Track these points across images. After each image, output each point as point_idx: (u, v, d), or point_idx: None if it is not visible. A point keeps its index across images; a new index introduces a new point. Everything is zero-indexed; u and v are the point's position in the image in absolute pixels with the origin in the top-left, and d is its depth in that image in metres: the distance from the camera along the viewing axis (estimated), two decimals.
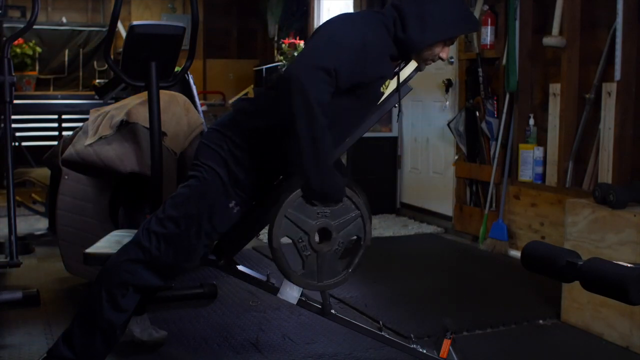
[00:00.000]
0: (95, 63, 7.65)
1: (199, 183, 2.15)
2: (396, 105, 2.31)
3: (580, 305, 2.94)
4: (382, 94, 2.26)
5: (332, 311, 2.30)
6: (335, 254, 2.10)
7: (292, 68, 1.99)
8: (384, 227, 5.06)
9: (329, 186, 2.01)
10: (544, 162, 4.06)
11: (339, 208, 2.07)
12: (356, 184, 2.22)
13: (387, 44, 2.13)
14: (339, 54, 2.00)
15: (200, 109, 3.98)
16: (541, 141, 4.10)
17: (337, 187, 2.04)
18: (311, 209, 2.04)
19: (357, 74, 2.06)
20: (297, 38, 6.87)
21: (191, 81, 4.14)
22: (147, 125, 2.87)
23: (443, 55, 2.20)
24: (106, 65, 5.84)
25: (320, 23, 7.40)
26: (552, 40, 3.84)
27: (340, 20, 2.13)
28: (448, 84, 4.92)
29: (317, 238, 2.07)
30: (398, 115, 2.21)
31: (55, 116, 6.98)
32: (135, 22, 2.72)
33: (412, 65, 2.27)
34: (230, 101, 7.14)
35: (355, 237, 2.14)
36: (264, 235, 4.65)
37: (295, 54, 6.60)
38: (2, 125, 3.51)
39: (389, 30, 2.13)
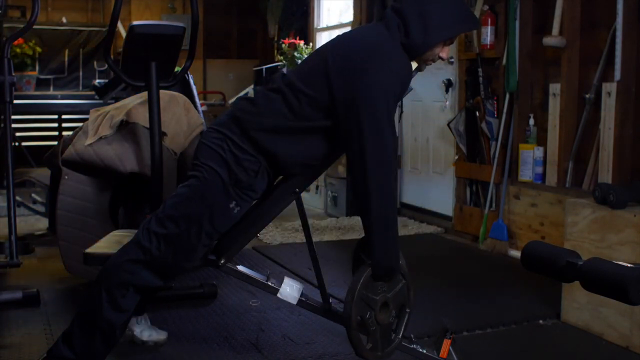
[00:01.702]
0: (95, 63, 7.66)
1: (200, 183, 2.14)
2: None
3: (580, 305, 2.94)
4: None
5: (332, 311, 2.30)
6: (391, 324, 2.19)
7: (373, 138, 2.01)
8: None
9: (394, 264, 2.11)
10: (544, 162, 4.06)
11: (393, 281, 2.16)
12: None
13: (408, 62, 2.16)
14: (393, 106, 2.07)
15: (200, 109, 3.98)
16: (541, 141, 4.10)
17: (398, 262, 2.13)
18: (375, 285, 2.11)
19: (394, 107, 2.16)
20: (297, 38, 6.87)
21: (191, 81, 4.14)
22: (147, 125, 2.87)
23: (443, 55, 2.20)
24: (106, 65, 5.84)
25: (320, 23, 7.40)
26: (552, 40, 3.84)
27: (373, 65, 2.05)
28: (448, 84, 4.92)
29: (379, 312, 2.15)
30: (400, 115, 2.21)
31: (55, 116, 6.98)
32: (135, 22, 2.72)
33: (413, 65, 2.27)
34: (230, 101, 7.15)
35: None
36: (264, 235, 4.66)
37: (296, 54, 6.59)
38: (2, 125, 3.51)
39: (399, 40, 2.12)
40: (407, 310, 2.23)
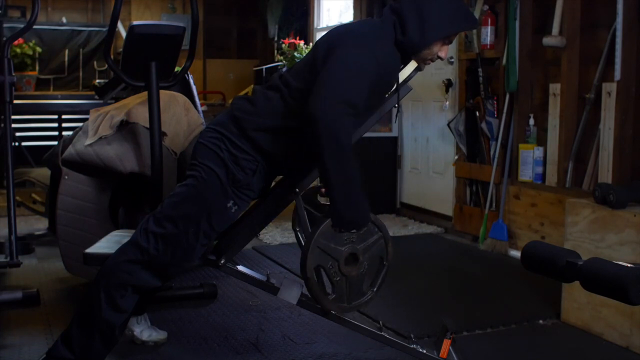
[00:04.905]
0: (95, 63, 7.65)
1: (197, 183, 2.14)
2: (396, 105, 2.32)
3: (580, 305, 2.94)
4: (386, 97, 2.27)
5: (332, 311, 2.30)
6: (362, 276, 2.17)
7: (317, 106, 1.96)
8: None
9: (359, 215, 2.07)
10: (544, 162, 4.06)
11: (363, 232, 2.13)
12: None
13: (396, 56, 2.15)
14: (360, 85, 2.02)
15: (200, 109, 3.97)
16: (541, 141, 4.10)
17: (365, 215, 2.10)
18: (339, 235, 2.09)
19: (374, 95, 2.11)
20: (297, 38, 6.87)
21: (191, 81, 4.14)
22: (147, 125, 2.87)
23: (442, 54, 2.20)
24: (106, 65, 5.83)
25: (320, 23, 7.40)
26: (552, 40, 3.84)
27: (352, 42, 2.08)
28: (448, 84, 4.91)
29: (345, 263, 2.12)
30: (397, 114, 2.22)
31: (55, 116, 6.97)
32: (135, 22, 2.72)
33: (412, 65, 2.27)
34: (230, 101, 7.14)
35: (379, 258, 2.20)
36: (263, 235, 4.66)
37: (296, 54, 6.60)
38: (2, 125, 3.51)
39: (391, 37, 2.13)
40: (385, 263, 2.21)
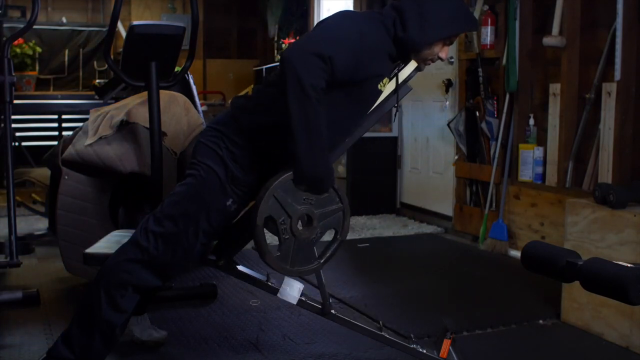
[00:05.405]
0: (95, 63, 7.66)
1: (197, 181, 2.14)
2: (395, 105, 2.31)
3: (580, 305, 2.94)
4: (381, 92, 2.25)
5: (332, 311, 2.30)
6: (312, 243, 2.12)
7: (287, 51, 1.99)
8: (384, 227, 5.06)
9: (321, 172, 2.02)
10: (544, 162, 4.06)
11: (323, 198, 2.09)
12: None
13: (386, 42, 2.13)
14: (336, 44, 2.01)
15: (200, 109, 3.97)
16: (541, 141, 4.10)
17: (328, 175, 2.05)
18: (299, 193, 2.05)
19: (352, 67, 2.05)
20: (297, 38, 6.87)
21: (191, 81, 4.14)
22: (147, 125, 2.87)
23: (442, 55, 2.21)
24: (106, 65, 5.83)
25: None
26: (552, 40, 3.84)
27: (339, 14, 2.14)
28: (448, 84, 4.92)
29: (297, 222, 2.07)
30: (395, 113, 2.22)
31: (55, 116, 6.98)
32: (135, 22, 2.72)
33: (412, 65, 2.27)
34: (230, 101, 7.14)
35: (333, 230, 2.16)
36: None
37: None
38: (2, 125, 3.51)
39: (389, 30, 2.13)
40: (339, 237, 2.17)
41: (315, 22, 7.06)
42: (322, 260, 2.16)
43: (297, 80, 1.93)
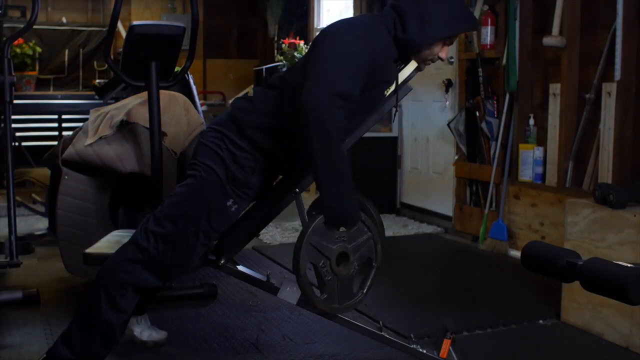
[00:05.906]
0: (95, 63, 7.65)
1: (197, 182, 2.15)
2: (395, 105, 2.31)
3: (580, 305, 2.94)
4: (385, 96, 2.27)
5: (323, 311, 2.30)
6: (352, 277, 2.15)
7: (307, 97, 1.96)
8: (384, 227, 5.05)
9: (348, 212, 2.05)
10: (544, 162, 4.06)
11: (354, 232, 2.11)
12: (368, 200, 2.29)
13: (391, 49, 2.14)
14: (352, 75, 2.01)
15: (200, 109, 3.98)
16: (541, 141, 4.10)
17: (355, 212, 2.09)
18: (331, 234, 2.08)
19: (366, 85, 2.07)
20: (297, 38, 6.87)
21: (191, 81, 4.14)
22: (147, 125, 2.87)
23: (442, 55, 2.20)
24: (106, 65, 5.84)
25: (320, 23, 7.40)
26: (552, 40, 3.84)
27: (344, 34, 2.08)
28: (448, 84, 4.91)
29: (336, 262, 2.10)
30: (395, 112, 2.23)
31: (55, 116, 6.97)
32: (135, 22, 2.72)
33: (412, 65, 2.27)
34: (230, 101, 7.15)
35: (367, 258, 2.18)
36: (264, 235, 4.66)
37: (296, 54, 6.59)
38: (2, 125, 3.51)
39: (390, 32, 2.13)
40: (374, 265, 2.19)
41: (315, 22, 7.10)
42: (364, 291, 2.20)
43: (321, 127, 1.93)
